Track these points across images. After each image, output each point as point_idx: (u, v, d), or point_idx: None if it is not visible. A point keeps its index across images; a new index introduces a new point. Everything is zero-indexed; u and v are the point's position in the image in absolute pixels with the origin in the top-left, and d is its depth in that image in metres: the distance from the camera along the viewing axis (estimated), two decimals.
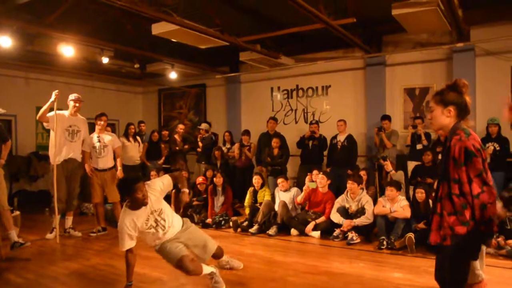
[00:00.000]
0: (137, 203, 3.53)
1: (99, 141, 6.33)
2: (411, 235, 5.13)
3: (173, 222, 3.76)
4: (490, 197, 2.38)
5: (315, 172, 6.90)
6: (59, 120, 5.84)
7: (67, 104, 6.14)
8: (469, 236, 2.42)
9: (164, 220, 3.67)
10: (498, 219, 2.52)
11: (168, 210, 3.78)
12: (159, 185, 3.74)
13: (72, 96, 6.17)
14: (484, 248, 3.44)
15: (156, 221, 3.63)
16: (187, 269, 3.51)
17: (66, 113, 6.07)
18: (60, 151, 5.93)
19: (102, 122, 6.39)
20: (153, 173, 8.00)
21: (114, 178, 6.36)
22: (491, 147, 6.69)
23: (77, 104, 6.10)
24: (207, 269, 3.68)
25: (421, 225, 5.44)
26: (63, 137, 5.96)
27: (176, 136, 9.41)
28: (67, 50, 7.37)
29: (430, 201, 5.49)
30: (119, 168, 6.51)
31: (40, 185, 9.75)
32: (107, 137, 6.45)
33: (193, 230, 3.92)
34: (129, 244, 3.59)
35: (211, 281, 3.74)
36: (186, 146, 9.41)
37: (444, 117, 2.58)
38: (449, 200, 2.49)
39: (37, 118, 5.81)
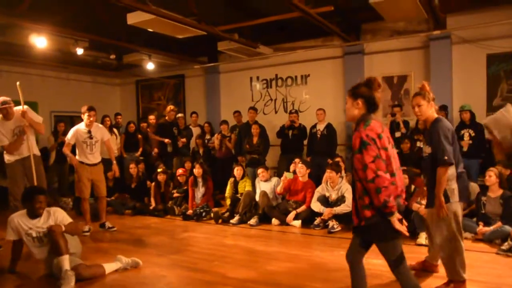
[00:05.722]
0: (32, 211, 4.09)
1: (91, 137, 5.97)
2: None
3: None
4: (384, 181, 2.57)
5: (297, 160, 6.90)
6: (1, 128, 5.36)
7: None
8: (375, 218, 2.68)
9: (42, 240, 4.12)
10: (401, 202, 2.76)
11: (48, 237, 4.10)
12: (60, 216, 4.18)
13: None
14: (463, 245, 3.46)
15: (38, 234, 4.10)
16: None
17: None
18: (15, 152, 5.47)
19: (92, 118, 5.95)
20: (132, 165, 7.89)
21: (102, 172, 6.13)
22: (466, 134, 6.74)
23: (4, 112, 5.33)
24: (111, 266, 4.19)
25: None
26: (13, 140, 5.42)
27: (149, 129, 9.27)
28: (40, 41, 7.15)
29: (413, 187, 5.58)
30: (114, 162, 6.24)
31: None
32: (98, 131, 6.09)
33: None
34: (12, 235, 4.13)
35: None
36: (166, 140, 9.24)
37: (354, 109, 2.83)
38: (355, 187, 2.78)
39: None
